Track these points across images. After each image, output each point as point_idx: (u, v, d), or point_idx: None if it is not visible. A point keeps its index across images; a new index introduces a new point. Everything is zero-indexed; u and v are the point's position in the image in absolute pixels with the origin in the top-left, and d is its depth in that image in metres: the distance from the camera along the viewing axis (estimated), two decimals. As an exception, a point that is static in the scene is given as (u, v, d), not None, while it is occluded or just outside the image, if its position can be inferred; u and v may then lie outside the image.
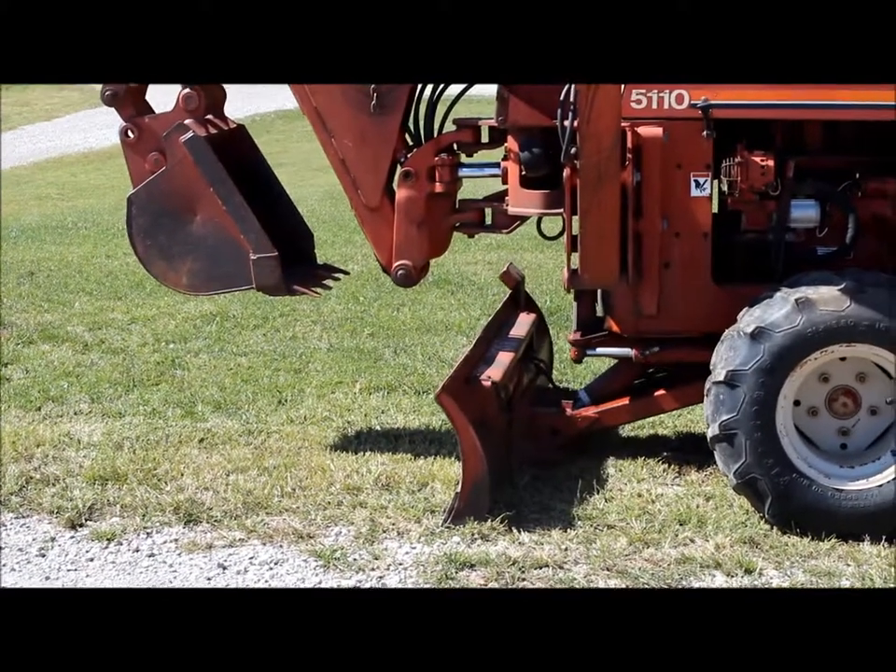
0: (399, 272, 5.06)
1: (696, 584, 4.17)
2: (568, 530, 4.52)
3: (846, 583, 4.13)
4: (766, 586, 4.11)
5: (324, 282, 5.48)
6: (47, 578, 4.30)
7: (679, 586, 4.16)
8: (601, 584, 4.17)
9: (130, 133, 5.16)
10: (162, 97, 5.61)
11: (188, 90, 5.13)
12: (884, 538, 4.37)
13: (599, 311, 5.21)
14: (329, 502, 4.81)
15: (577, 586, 4.16)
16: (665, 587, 4.15)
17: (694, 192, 4.78)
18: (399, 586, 4.16)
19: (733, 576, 4.19)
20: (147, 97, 5.36)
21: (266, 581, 4.25)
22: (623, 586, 4.16)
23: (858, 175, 4.81)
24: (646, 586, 4.15)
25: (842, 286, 4.38)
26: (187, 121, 5.09)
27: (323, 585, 4.22)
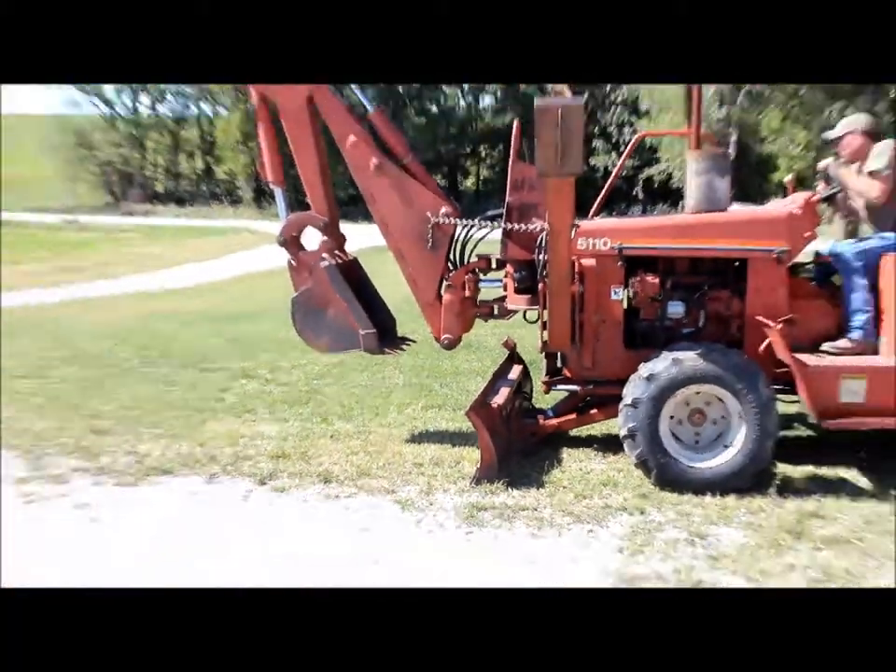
0: (445, 341, 5.03)
1: (612, 521, 3.98)
2: (540, 489, 4.45)
3: (696, 519, 4.02)
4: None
5: (401, 346, 5.43)
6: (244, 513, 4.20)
7: (604, 523, 3.96)
8: (558, 520, 4.02)
9: (293, 263, 5.27)
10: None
11: (325, 238, 5.14)
12: (717, 494, 4.34)
13: (559, 363, 5.18)
14: (404, 472, 4.73)
15: (546, 522, 3.98)
16: (591, 522, 3.94)
17: (613, 297, 4.77)
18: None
19: (632, 514, 4.12)
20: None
21: (371, 516, 4.06)
22: (571, 522, 3.99)
23: (706, 287, 4.81)
24: (586, 522, 3.98)
25: (698, 351, 4.40)
26: (324, 255, 5.18)
27: (398, 522, 3.94)
